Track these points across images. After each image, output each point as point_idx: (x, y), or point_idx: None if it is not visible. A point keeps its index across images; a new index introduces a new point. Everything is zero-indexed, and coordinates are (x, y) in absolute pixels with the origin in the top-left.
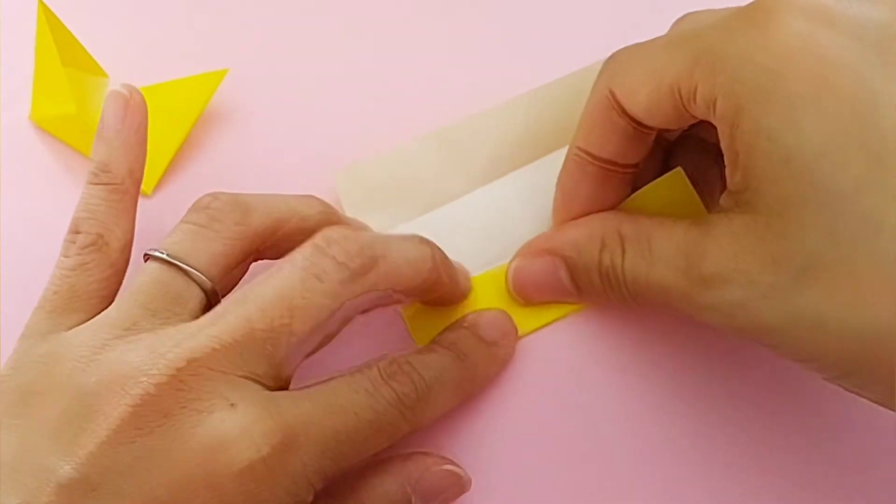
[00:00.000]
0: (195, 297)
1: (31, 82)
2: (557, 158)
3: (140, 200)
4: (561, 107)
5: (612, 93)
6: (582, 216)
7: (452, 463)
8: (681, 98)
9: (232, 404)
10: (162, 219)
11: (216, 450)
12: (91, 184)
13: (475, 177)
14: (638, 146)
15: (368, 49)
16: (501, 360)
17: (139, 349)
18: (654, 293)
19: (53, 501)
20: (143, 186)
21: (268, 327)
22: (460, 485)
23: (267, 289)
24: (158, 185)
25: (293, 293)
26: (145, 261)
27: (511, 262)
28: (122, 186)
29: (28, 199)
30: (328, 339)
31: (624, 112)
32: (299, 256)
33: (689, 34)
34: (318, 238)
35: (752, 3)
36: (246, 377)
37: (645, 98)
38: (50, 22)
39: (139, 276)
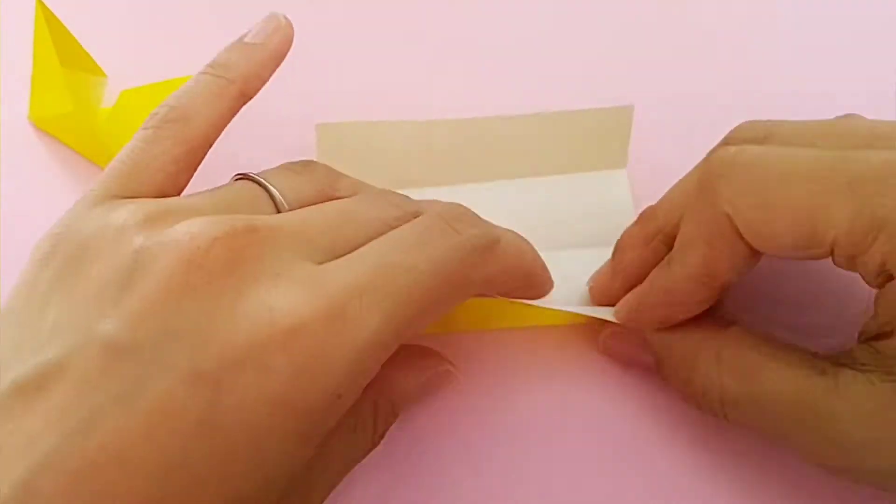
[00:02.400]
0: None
1: (29, 82)
2: (540, 184)
3: None
4: (558, 139)
5: (731, 221)
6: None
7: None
8: (831, 251)
9: (279, 274)
10: None
11: (261, 319)
12: (199, 73)
13: (445, 176)
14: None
15: (368, 46)
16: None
17: (202, 220)
18: (765, 435)
19: (94, 357)
20: None
21: (327, 225)
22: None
23: (337, 204)
24: None
25: (356, 212)
26: (234, 180)
27: (604, 333)
28: (230, 83)
29: (27, 198)
30: (435, 317)
31: (746, 243)
32: (424, 222)
33: (851, 178)
34: (442, 210)
35: None
36: (305, 258)
37: (780, 238)
38: (48, 21)
39: (223, 186)
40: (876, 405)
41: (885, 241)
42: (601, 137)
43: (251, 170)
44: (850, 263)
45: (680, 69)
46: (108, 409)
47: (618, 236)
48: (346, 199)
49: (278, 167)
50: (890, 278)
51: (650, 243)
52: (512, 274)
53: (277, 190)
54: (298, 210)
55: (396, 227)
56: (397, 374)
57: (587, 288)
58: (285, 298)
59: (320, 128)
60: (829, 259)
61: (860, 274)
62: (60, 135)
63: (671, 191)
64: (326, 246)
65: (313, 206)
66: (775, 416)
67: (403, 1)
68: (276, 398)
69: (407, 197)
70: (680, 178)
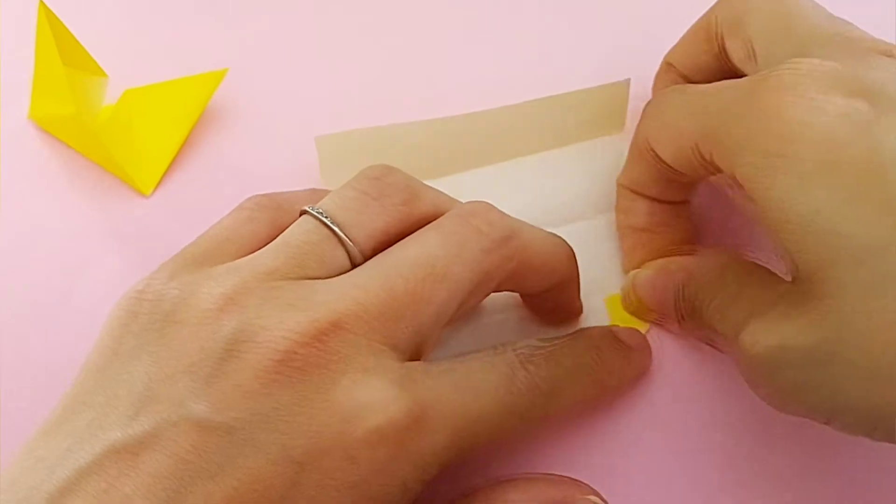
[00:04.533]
0: (342, 264)
1: (30, 82)
2: (543, 159)
3: (139, 200)
4: (558, 118)
5: (647, 141)
6: (647, 244)
7: (598, 495)
8: (702, 158)
9: (367, 370)
10: (161, 219)
11: (350, 413)
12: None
13: (449, 168)
14: (679, 189)
15: (368, 48)
16: (638, 366)
17: (281, 300)
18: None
19: (187, 433)
20: (142, 187)
21: (409, 294)
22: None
23: (410, 254)
24: (158, 186)
25: (435, 261)
26: (300, 216)
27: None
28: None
29: (27, 198)
30: (466, 310)
31: (660, 159)
32: (445, 223)
33: (703, 104)
34: (460, 208)
35: (754, 80)
36: (384, 344)
37: (672, 154)
38: (50, 22)
39: (291, 227)
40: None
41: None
42: (599, 111)
43: (263, 179)
44: (706, 168)
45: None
46: (198, 481)
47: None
48: (428, 243)
49: (350, 186)
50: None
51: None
52: (534, 268)
53: (346, 232)
54: (379, 271)
55: (483, 269)
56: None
57: (604, 258)
58: (375, 397)
59: (319, 141)
60: None
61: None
62: (61, 134)
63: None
64: (414, 325)
65: (396, 265)
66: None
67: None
68: (353, 486)
69: (492, 209)
70: None
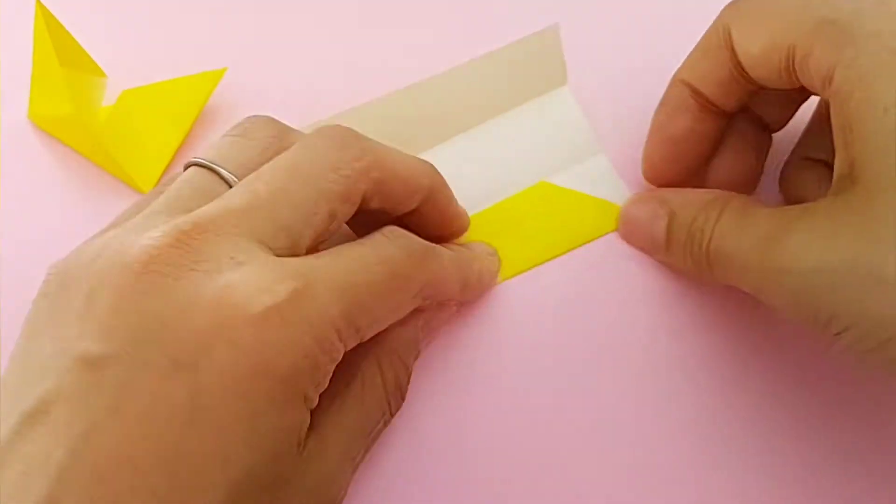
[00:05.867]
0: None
1: (29, 82)
2: (494, 126)
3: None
4: (498, 78)
5: (728, 32)
6: (672, 152)
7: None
8: (793, 61)
9: (241, 263)
10: None
11: (227, 301)
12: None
13: (444, 133)
14: (735, 94)
15: (366, 47)
16: (494, 269)
17: (152, 226)
18: (729, 272)
19: (79, 374)
20: (141, 186)
21: (270, 192)
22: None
23: (271, 164)
24: (157, 185)
25: (294, 164)
26: (184, 169)
27: (627, 201)
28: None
29: (27, 199)
30: (336, 223)
31: (734, 54)
32: (305, 138)
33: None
34: (320, 128)
35: None
36: (254, 240)
37: (759, 50)
38: (48, 22)
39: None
40: (830, 215)
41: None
42: (536, 64)
43: None
44: (803, 72)
45: None
46: (103, 418)
47: (579, 152)
48: (289, 153)
49: (224, 135)
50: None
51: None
52: (399, 179)
53: (225, 168)
54: (244, 183)
55: (343, 174)
56: (394, 326)
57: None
58: (251, 283)
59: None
60: None
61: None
62: (60, 135)
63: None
64: (280, 220)
65: (259, 173)
66: (734, 245)
67: None
68: (250, 371)
69: (350, 130)
70: (626, 88)
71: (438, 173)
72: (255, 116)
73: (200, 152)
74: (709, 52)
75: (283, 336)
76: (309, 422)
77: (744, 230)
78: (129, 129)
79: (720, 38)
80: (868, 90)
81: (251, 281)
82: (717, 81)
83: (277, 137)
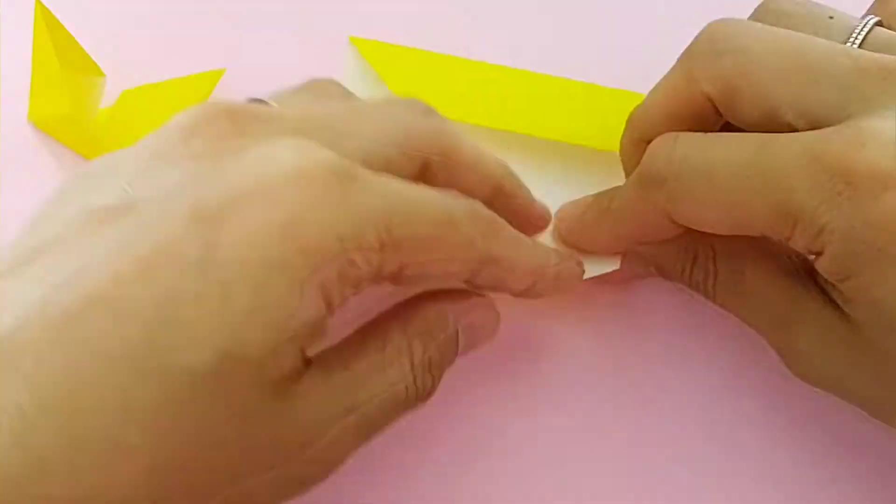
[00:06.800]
0: None
1: (29, 83)
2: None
3: None
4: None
5: (665, 213)
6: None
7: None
8: (767, 232)
9: (289, 138)
10: None
11: (270, 158)
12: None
13: (469, 116)
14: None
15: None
16: (576, 273)
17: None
18: (747, 322)
19: (89, 223)
20: None
21: (327, 116)
22: (494, 324)
23: (335, 103)
24: None
25: (357, 104)
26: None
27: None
28: None
29: (27, 200)
30: (392, 167)
31: (675, 225)
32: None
33: (766, 176)
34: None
35: (842, 166)
36: (304, 137)
37: (721, 230)
38: (47, 22)
39: None
40: (830, 341)
41: (802, 231)
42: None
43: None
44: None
45: None
46: (99, 259)
47: None
48: (357, 101)
49: (292, 88)
50: (820, 254)
51: (640, 149)
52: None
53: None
54: (304, 110)
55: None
56: (431, 314)
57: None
58: (298, 146)
59: (353, 40)
60: None
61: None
62: (60, 135)
63: (646, 100)
64: (332, 141)
65: (319, 105)
66: (751, 311)
67: None
68: (280, 228)
69: (421, 103)
70: None
71: (511, 170)
72: (321, 78)
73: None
74: (641, 230)
75: (322, 206)
76: (323, 315)
77: (746, 303)
78: (129, 129)
79: (656, 221)
80: (859, 288)
81: (299, 150)
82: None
83: (342, 97)
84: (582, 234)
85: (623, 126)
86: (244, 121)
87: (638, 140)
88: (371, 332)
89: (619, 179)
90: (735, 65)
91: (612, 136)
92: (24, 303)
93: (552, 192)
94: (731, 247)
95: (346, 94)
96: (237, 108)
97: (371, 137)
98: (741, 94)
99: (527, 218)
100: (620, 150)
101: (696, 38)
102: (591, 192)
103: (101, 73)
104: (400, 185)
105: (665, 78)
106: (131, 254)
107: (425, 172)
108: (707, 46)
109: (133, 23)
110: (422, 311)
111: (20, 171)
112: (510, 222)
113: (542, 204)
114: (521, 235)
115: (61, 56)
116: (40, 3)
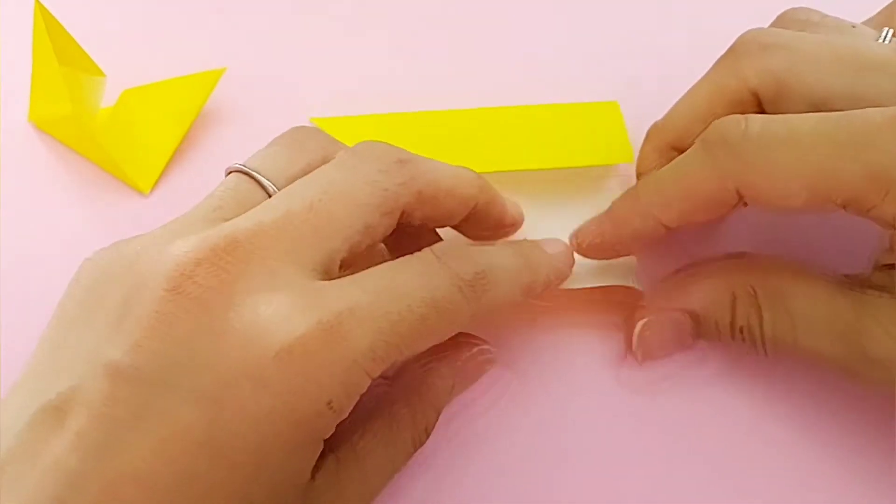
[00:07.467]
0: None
1: (29, 83)
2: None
3: (138, 200)
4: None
5: (735, 191)
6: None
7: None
8: (843, 207)
9: (271, 288)
10: (160, 217)
11: (254, 335)
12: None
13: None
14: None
15: (365, 47)
16: (561, 271)
17: (189, 237)
18: (804, 356)
19: (102, 383)
20: (141, 186)
21: (307, 211)
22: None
23: (308, 180)
24: (157, 185)
25: (331, 182)
26: (226, 174)
27: (638, 318)
28: None
29: (27, 200)
30: (374, 238)
31: (739, 200)
32: (342, 155)
33: (856, 140)
34: (357, 144)
35: None
36: (288, 262)
37: (797, 204)
38: (46, 22)
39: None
40: None
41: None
42: (602, 132)
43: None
44: (864, 215)
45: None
46: (121, 433)
47: None
48: (326, 170)
49: (271, 144)
50: None
51: (665, 156)
52: (443, 190)
53: (267, 178)
54: (280, 196)
55: (381, 188)
56: (431, 367)
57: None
58: (279, 313)
59: (313, 122)
60: None
61: (874, 221)
62: (60, 135)
63: (679, 105)
64: (313, 237)
65: (295, 186)
66: (812, 337)
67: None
68: (270, 411)
69: (387, 145)
70: None
71: (483, 179)
72: (302, 127)
73: (245, 159)
74: (697, 202)
75: (307, 378)
76: (321, 448)
77: (799, 329)
78: (129, 129)
79: (721, 194)
80: None
81: (280, 316)
82: (699, 218)
83: (323, 149)
84: (611, 222)
85: (600, 137)
86: (227, 261)
87: (665, 147)
88: (377, 412)
89: (606, 195)
90: (785, 59)
91: (589, 151)
92: (64, 471)
93: (539, 225)
94: (771, 280)
95: (325, 145)
96: (220, 246)
97: (349, 223)
98: (790, 87)
99: (502, 223)
100: (639, 160)
101: (738, 40)
102: (582, 212)
103: (101, 73)
104: (387, 296)
105: (703, 80)
106: (146, 431)
107: (403, 215)
108: (754, 45)
109: (133, 23)
110: (419, 384)
111: (20, 171)
112: (487, 227)
113: (512, 207)
114: (505, 268)
115: (61, 56)
116: (40, 3)
